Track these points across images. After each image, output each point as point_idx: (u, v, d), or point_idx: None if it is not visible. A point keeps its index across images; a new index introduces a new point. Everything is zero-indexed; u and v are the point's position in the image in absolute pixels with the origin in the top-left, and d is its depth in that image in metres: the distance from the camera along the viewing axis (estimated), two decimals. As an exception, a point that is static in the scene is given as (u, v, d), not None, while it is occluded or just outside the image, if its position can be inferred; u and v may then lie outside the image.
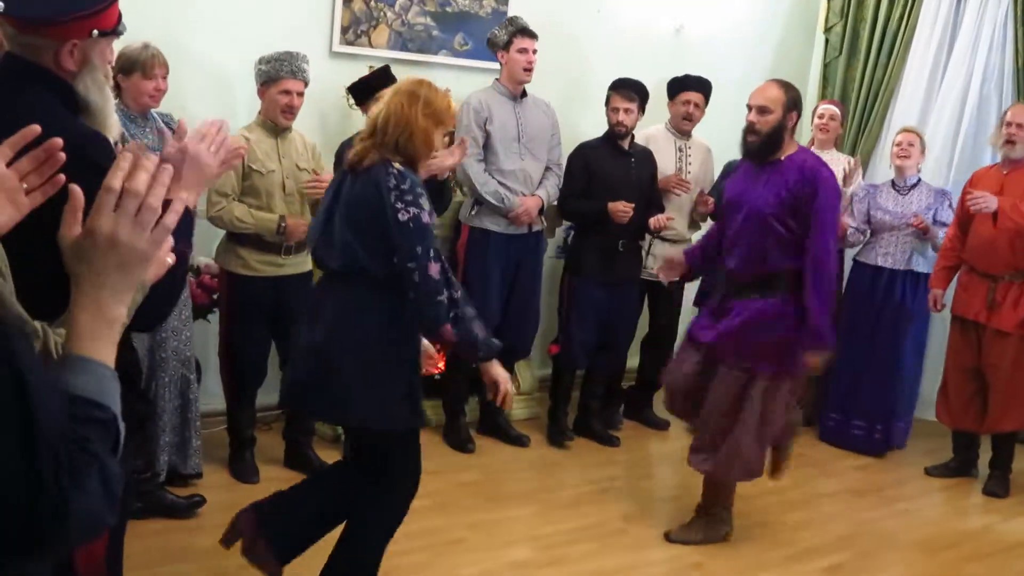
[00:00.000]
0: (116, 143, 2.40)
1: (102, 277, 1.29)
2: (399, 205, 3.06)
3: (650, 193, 5.43)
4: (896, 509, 5.04)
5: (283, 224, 4.44)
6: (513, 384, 5.71)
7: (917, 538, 4.72)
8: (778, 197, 4.07)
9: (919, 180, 5.75)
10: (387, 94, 3.23)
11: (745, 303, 4.18)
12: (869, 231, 5.77)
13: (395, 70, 5.09)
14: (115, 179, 1.28)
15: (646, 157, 5.49)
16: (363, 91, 4.87)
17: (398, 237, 3.07)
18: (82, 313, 1.28)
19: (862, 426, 5.82)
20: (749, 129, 4.17)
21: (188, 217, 2.17)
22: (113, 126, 2.36)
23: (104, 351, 1.29)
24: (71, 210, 1.32)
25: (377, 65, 5.24)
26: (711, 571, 4.23)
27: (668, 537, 4.45)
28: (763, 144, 4.14)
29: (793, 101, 4.14)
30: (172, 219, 1.32)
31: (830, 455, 5.77)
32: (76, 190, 1.33)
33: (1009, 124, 5.26)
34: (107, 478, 1.22)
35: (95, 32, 2.23)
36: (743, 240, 4.18)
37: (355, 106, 5.10)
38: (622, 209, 5.20)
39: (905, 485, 5.35)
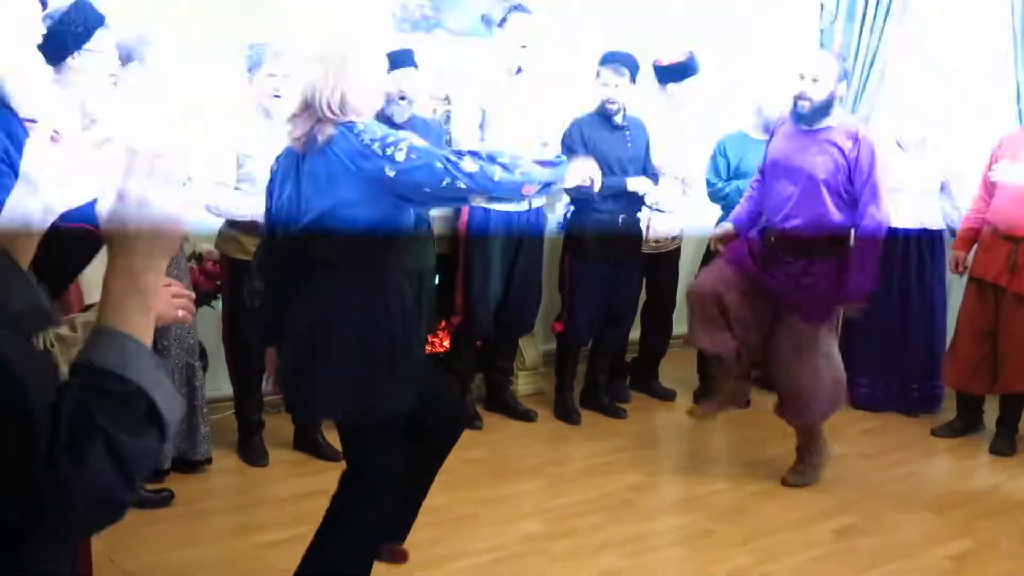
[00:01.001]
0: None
1: (134, 241, 1.29)
2: (389, 151, 2.89)
3: (645, 164, 5.42)
4: (905, 471, 5.06)
5: None
6: (518, 360, 5.79)
7: (926, 499, 4.73)
8: (835, 163, 4.39)
9: (924, 139, 5.74)
10: (309, 60, 3.06)
11: (808, 262, 4.50)
12: None
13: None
14: (139, 142, 1.32)
15: (639, 128, 5.46)
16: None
17: (414, 175, 2.88)
18: (114, 280, 1.29)
19: (898, 386, 5.84)
20: (801, 96, 4.43)
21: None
22: None
23: (134, 320, 1.29)
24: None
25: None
26: (721, 537, 4.25)
27: (784, 482, 4.79)
28: (815, 111, 4.42)
29: (844, 72, 4.47)
30: (184, 182, 1.35)
31: (838, 419, 5.74)
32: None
33: None
34: (121, 453, 1.22)
35: None
36: (803, 204, 4.45)
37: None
38: (646, 182, 5.26)
39: (912, 447, 5.35)
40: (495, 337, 5.43)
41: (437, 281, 5.20)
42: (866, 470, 5.06)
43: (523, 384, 5.83)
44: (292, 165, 3.08)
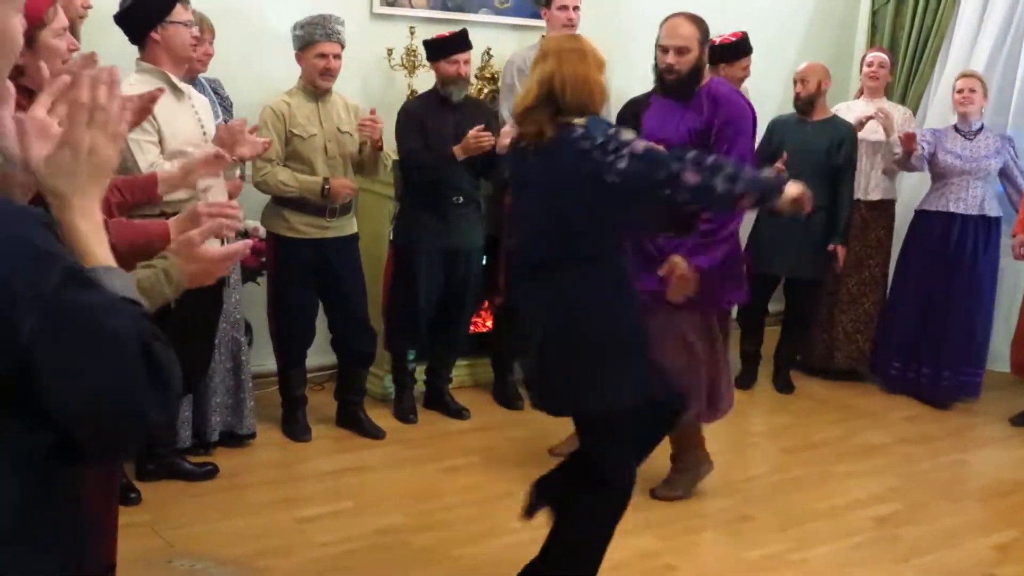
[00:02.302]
0: None
1: (87, 186, 1.39)
2: (610, 158, 2.88)
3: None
4: (951, 459, 5.00)
5: (327, 186, 4.48)
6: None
7: (971, 488, 4.70)
8: (690, 129, 3.88)
9: (982, 125, 5.67)
10: (546, 59, 3.02)
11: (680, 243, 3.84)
12: (926, 165, 5.69)
13: (437, 29, 5.10)
14: (84, 94, 1.38)
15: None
16: (438, 50, 4.89)
17: (633, 183, 2.88)
18: (81, 222, 1.38)
19: (928, 374, 5.77)
20: (668, 70, 3.92)
21: None
22: None
23: (108, 253, 1.40)
24: (41, 133, 1.46)
25: (418, 26, 5.26)
26: (758, 522, 4.23)
27: (653, 494, 4.31)
28: (683, 82, 3.92)
29: (705, 34, 3.94)
30: (124, 128, 1.43)
31: (881, 406, 5.74)
32: (22, 117, 1.46)
33: None
34: (178, 364, 1.32)
35: None
36: None
37: (404, 65, 5.18)
38: None
39: (959, 435, 5.29)
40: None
41: (484, 260, 5.21)
42: (910, 458, 5.01)
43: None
44: (520, 162, 3.13)
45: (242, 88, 4.77)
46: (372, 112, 4.57)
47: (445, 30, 5.02)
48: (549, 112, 2.96)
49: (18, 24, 1.39)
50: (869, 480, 4.70)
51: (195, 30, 3.88)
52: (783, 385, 5.91)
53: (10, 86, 1.50)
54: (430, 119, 4.84)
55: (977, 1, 6.36)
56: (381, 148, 4.63)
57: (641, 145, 2.91)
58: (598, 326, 3.04)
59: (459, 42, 4.88)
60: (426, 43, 4.95)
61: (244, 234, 4.78)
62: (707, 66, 4.04)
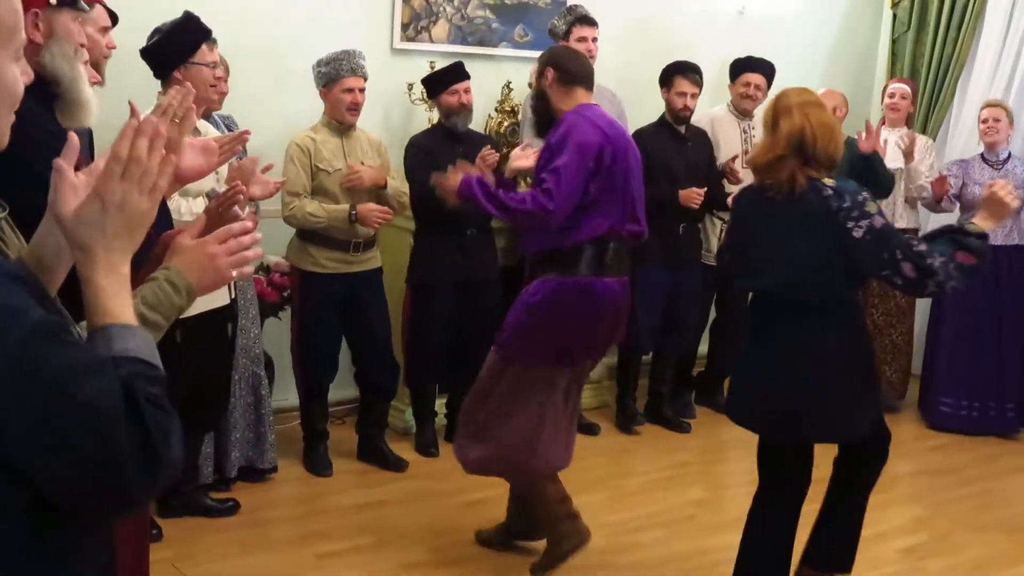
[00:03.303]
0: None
1: (113, 240, 1.35)
2: (850, 224, 3.10)
3: (708, 174, 5.40)
4: (976, 489, 4.95)
5: (354, 213, 4.50)
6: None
7: (997, 518, 4.63)
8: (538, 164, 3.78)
9: (1010, 153, 5.65)
10: (791, 113, 3.22)
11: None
12: (958, 205, 5.67)
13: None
14: (122, 148, 1.35)
15: (702, 139, 5.47)
16: (436, 84, 4.93)
17: (860, 255, 3.12)
18: (103, 277, 1.34)
19: (994, 407, 5.73)
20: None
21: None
22: (87, 102, 2.38)
23: (129, 311, 1.36)
24: (68, 186, 1.38)
25: (438, 60, 5.28)
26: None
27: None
28: (540, 120, 3.92)
29: (544, 60, 3.81)
30: (165, 181, 1.38)
31: (908, 435, 5.68)
32: (63, 165, 1.39)
33: None
34: (180, 430, 1.29)
35: (53, 0, 2.26)
36: None
37: (425, 99, 5.20)
38: (696, 195, 5.20)
39: (986, 465, 5.23)
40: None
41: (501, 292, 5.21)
42: (937, 488, 4.97)
43: (587, 397, 5.79)
44: (759, 207, 3.31)
45: (264, 125, 4.80)
46: (384, 209, 4.60)
47: (466, 64, 5.05)
48: (798, 162, 3.17)
49: (17, 72, 1.36)
50: (895, 511, 4.65)
51: (219, 71, 3.93)
52: None
53: None
54: (438, 152, 4.86)
55: (998, 28, 6.34)
56: (384, 186, 4.67)
57: (880, 221, 3.13)
58: (851, 361, 3.28)
59: (455, 73, 4.91)
60: (424, 81, 4.99)
61: (266, 269, 4.83)
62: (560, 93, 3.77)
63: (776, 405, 3.32)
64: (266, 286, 4.77)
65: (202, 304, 3.58)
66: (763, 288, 3.37)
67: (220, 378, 4.04)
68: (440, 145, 4.88)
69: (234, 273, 1.73)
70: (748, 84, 5.65)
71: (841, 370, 3.25)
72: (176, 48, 3.80)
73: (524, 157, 4.63)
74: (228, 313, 3.99)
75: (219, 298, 3.82)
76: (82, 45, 2.42)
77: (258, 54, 4.91)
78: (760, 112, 5.64)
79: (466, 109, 4.94)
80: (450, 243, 4.90)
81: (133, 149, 1.35)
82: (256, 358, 4.43)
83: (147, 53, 3.89)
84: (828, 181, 3.17)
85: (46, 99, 2.31)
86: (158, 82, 3.93)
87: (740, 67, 5.70)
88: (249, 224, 1.76)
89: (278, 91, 5.01)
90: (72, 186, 1.38)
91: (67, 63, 2.34)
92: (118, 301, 1.34)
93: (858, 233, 3.08)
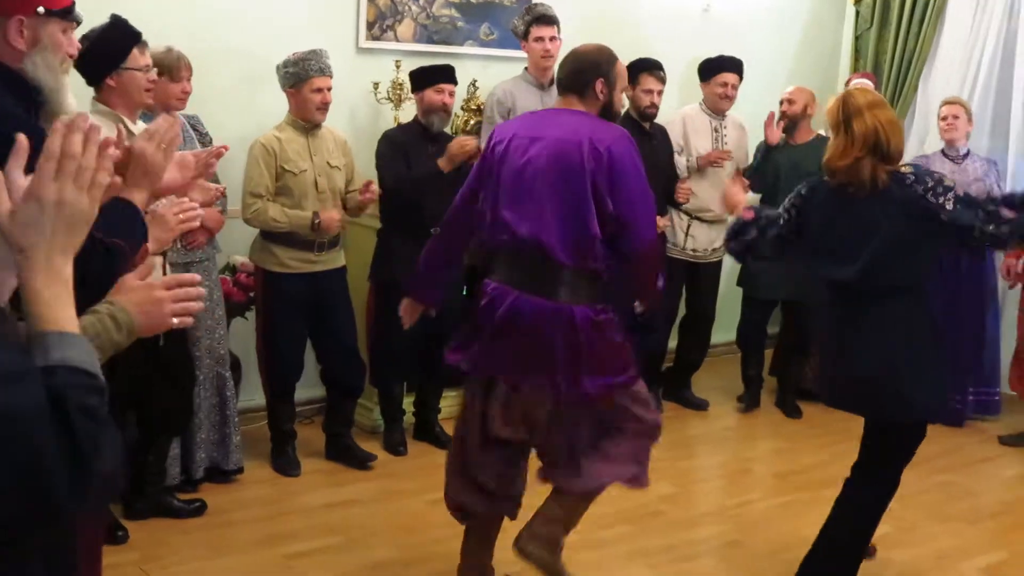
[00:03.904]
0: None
1: (53, 240, 1.32)
2: (941, 200, 3.34)
3: (670, 171, 5.44)
4: (941, 480, 5.00)
5: (317, 220, 4.50)
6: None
7: (961, 509, 4.69)
8: None
9: (968, 150, 5.72)
10: (861, 115, 3.41)
11: None
12: None
13: (422, 63, 5.15)
14: (54, 144, 1.32)
15: (664, 136, 5.51)
16: (425, 78, 4.95)
17: (960, 222, 3.33)
18: (42, 282, 1.31)
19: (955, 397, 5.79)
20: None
21: (136, 215, 2.14)
22: (69, 113, 2.38)
23: (70, 317, 1.32)
24: (4, 187, 1.34)
25: (404, 59, 5.29)
26: (750, 548, 4.24)
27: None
28: None
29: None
30: (104, 177, 1.35)
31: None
32: (10, 168, 1.36)
33: None
34: (118, 441, 1.26)
35: (41, 9, 2.25)
36: None
37: (392, 98, 5.25)
38: (687, 191, 5.36)
39: (951, 456, 5.27)
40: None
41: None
42: (903, 479, 4.99)
43: (556, 394, 5.83)
44: (838, 204, 3.49)
45: (230, 125, 4.79)
46: (369, 183, 4.65)
47: (430, 63, 5.07)
48: (875, 160, 3.38)
49: None
50: (860, 504, 4.70)
51: (152, 74, 3.85)
52: (792, 409, 5.92)
53: None
54: (411, 149, 4.87)
55: (959, 25, 6.40)
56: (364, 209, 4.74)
57: (960, 189, 3.43)
58: (932, 341, 3.54)
59: (446, 72, 4.95)
60: (413, 72, 4.99)
61: (232, 269, 4.82)
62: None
63: (871, 386, 3.51)
64: (232, 286, 4.76)
65: None
66: (850, 278, 3.48)
67: (181, 390, 4.04)
68: (413, 141, 4.90)
69: (175, 321, 1.78)
70: (725, 84, 5.68)
71: (926, 349, 3.49)
72: (106, 54, 3.67)
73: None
74: None
75: None
76: (71, 56, 2.42)
77: (223, 53, 4.90)
78: (733, 111, 5.78)
79: (446, 111, 4.97)
80: (414, 241, 4.88)
81: (66, 145, 1.32)
82: (222, 359, 4.42)
83: (77, 61, 3.80)
84: (906, 169, 3.45)
85: (29, 101, 2.30)
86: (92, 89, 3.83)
87: (716, 67, 5.71)
88: (198, 277, 1.88)
89: (244, 91, 5.00)
90: (17, 188, 1.35)
91: (51, 74, 2.32)
92: (57, 307, 1.31)
93: (949, 205, 3.33)
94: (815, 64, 7.03)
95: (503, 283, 3.42)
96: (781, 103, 5.79)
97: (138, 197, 2.15)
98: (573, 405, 3.44)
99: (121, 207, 2.06)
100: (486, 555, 3.73)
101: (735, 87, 5.72)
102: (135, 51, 3.75)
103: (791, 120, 5.72)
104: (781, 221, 3.66)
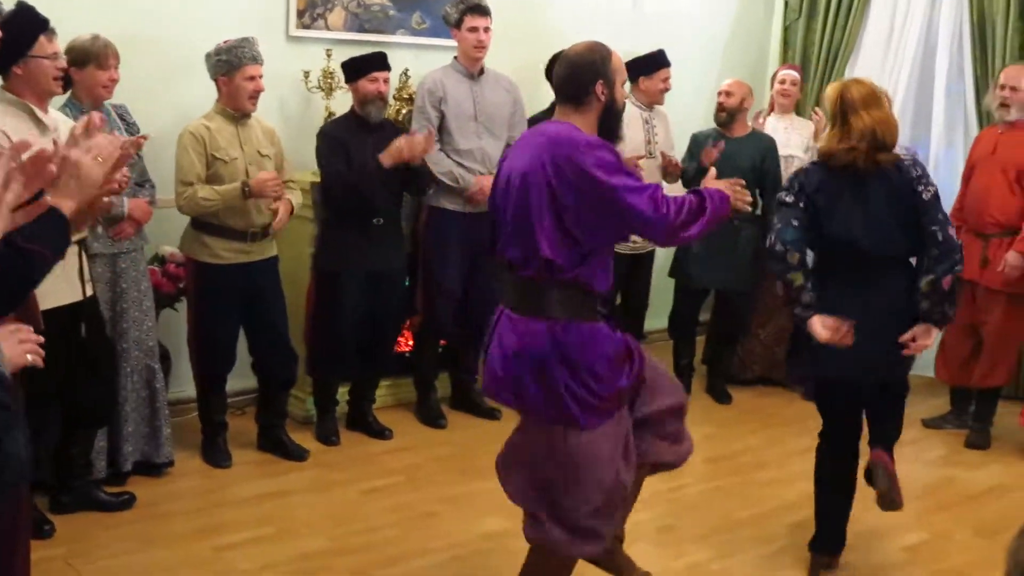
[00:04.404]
0: None
1: None
2: (920, 188, 3.69)
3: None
4: (864, 463, 5.07)
5: (247, 187, 4.44)
6: (483, 359, 5.81)
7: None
8: None
9: None
10: (857, 110, 3.67)
11: None
12: None
13: (353, 51, 5.13)
14: None
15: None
16: (358, 68, 4.92)
17: (929, 209, 3.68)
18: None
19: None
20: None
21: (60, 222, 2.09)
22: None
23: None
24: None
25: (334, 48, 5.27)
26: (682, 531, 4.30)
27: None
28: None
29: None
30: (11, 197, 1.35)
31: (800, 413, 5.82)
32: None
33: (1003, 87, 5.32)
34: (22, 430, 1.27)
35: None
36: None
37: (323, 87, 5.23)
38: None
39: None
40: (458, 335, 5.45)
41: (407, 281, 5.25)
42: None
43: (488, 383, 5.85)
44: (841, 184, 3.72)
45: (157, 114, 4.74)
46: (275, 177, 4.55)
47: (363, 51, 5.06)
48: (870, 150, 3.66)
49: None
50: (788, 487, 4.78)
51: (61, 62, 3.78)
52: (721, 395, 6.00)
53: None
54: (350, 142, 4.85)
55: (884, 16, 6.52)
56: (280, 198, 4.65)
57: (936, 188, 3.75)
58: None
59: (378, 61, 4.93)
60: (345, 64, 4.96)
61: (160, 259, 4.77)
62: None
63: (873, 347, 3.71)
64: (161, 277, 4.71)
65: (51, 300, 3.55)
66: (854, 249, 3.73)
67: (102, 382, 3.99)
68: (352, 134, 4.88)
69: (29, 358, 1.94)
70: (666, 79, 5.72)
71: (915, 314, 3.77)
72: (12, 42, 3.51)
73: (417, 144, 4.71)
74: (81, 311, 3.86)
75: (68, 295, 3.76)
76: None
77: (151, 41, 4.84)
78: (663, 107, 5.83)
79: (382, 99, 4.96)
80: (357, 231, 4.90)
81: None
82: (150, 351, 4.38)
83: None
84: (905, 157, 3.79)
85: None
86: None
87: (658, 62, 5.70)
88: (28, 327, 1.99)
89: (171, 80, 4.94)
90: None
91: None
92: None
93: (927, 196, 3.68)
94: (744, 55, 7.11)
95: None
96: (719, 95, 5.84)
97: (67, 206, 2.10)
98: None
99: (48, 215, 2.04)
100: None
101: (670, 80, 5.77)
102: (42, 38, 3.67)
103: (729, 113, 5.78)
104: (798, 219, 3.77)
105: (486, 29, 5.18)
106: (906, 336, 3.70)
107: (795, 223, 3.74)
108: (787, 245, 3.71)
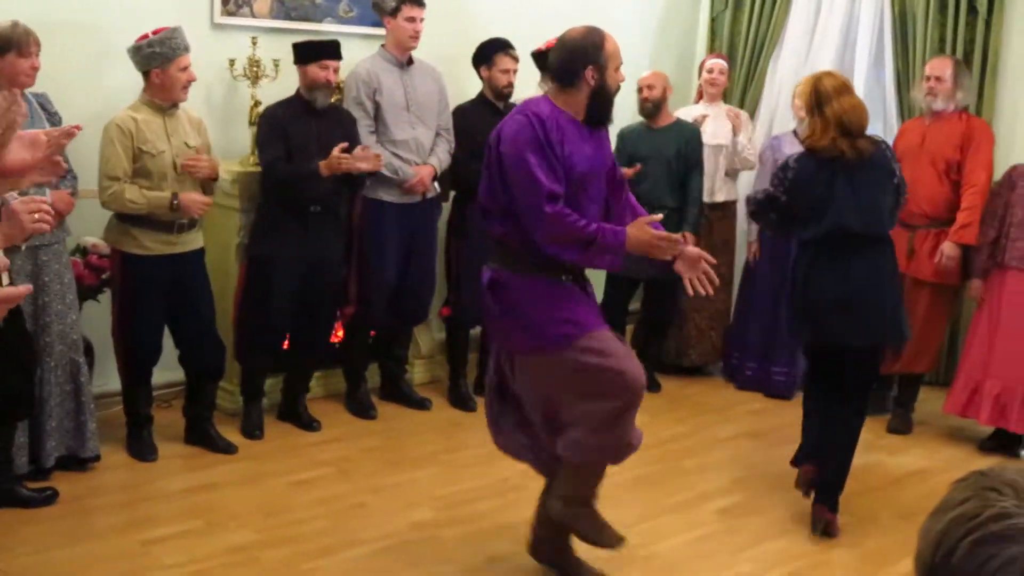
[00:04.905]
0: None
1: None
2: (896, 167, 4.22)
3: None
4: (789, 450, 5.16)
5: (175, 201, 4.40)
6: (413, 349, 5.82)
7: (808, 476, 4.87)
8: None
9: None
10: (831, 100, 4.09)
11: None
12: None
13: (280, 39, 5.09)
14: None
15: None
16: (310, 53, 4.89)
17: (903, 186, 4.25)
18: None
19: (753, 367, 6.04)
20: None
21: None
22: None
23: None
24: None
25: (260, 36, 5.21)
26: (609, 519, 4.29)
27: None
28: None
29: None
30: None
31: (729, 401, 5.94)
32: None
33: (928, 78, 5.42)
34: None
35: None
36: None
37: (248, 75, 5.16)
38: None
39: (790, 428, 5.42)
40: (390, 326, 5.44)
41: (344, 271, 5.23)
42: (752, 450, 5.20)
43: (418, 372, 5.86)
44: (831, 172, 4.10)
45: (80, 104, 4.65)
46: (198, 152, 4.55)
47: (289, 39, 5.03)
48: (848, 137, 4.08)
49: None
50: (715, 474, 4.87)
51: None
52: (651, 383, 6.04)
53: None
54: (292, 126, 4.82)
55: (807, 7, 6.60)
56: (215, 179, 4.65)
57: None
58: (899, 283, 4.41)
59: (332, 49, 4.91)
60: (298, 45, 4.94)
61: (83, 251, 4.69)
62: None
63: (865, 315, 4.12)
64: (84, 269, 4.63)
65: None
66: (845, 229, 4.10)
67: (19, 377, 3.91)
68: (295, 119, 4.85)
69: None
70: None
71: (898, 286, 4.31)
72: None
73: (364, 160, 4.76)
74: None
75: None
76: None
77: (73, 29, 4.75)
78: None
79: (329, 88, 4.93)
80: (294, 219, 4.86)
81: None
82: (74, 344, 4.31)
83: None
84: (879, 141, 4.23)
85: None
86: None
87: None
88: None
89: (93, 68, 4.86)
90: None
91: None
92: None
93: (895, 179, 4.19)
94: (672, 45, 7.17)
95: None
96: (640, 89, 5.87)
97: None
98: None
99: None
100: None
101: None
102: None
103: (654, 104, 5.82)
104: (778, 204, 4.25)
105: (422, 20, 5.17)
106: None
107: (773, 216, 4.32)
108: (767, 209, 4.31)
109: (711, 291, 3.67)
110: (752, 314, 6.06)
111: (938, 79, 5.35)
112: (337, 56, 4.92)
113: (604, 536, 3.74)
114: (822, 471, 4.30)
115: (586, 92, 3.44)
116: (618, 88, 3.55)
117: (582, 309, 3.55)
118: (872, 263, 4.16)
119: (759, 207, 4.40)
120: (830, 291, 4.14)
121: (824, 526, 4.22)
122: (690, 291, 3.66)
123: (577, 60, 3.41)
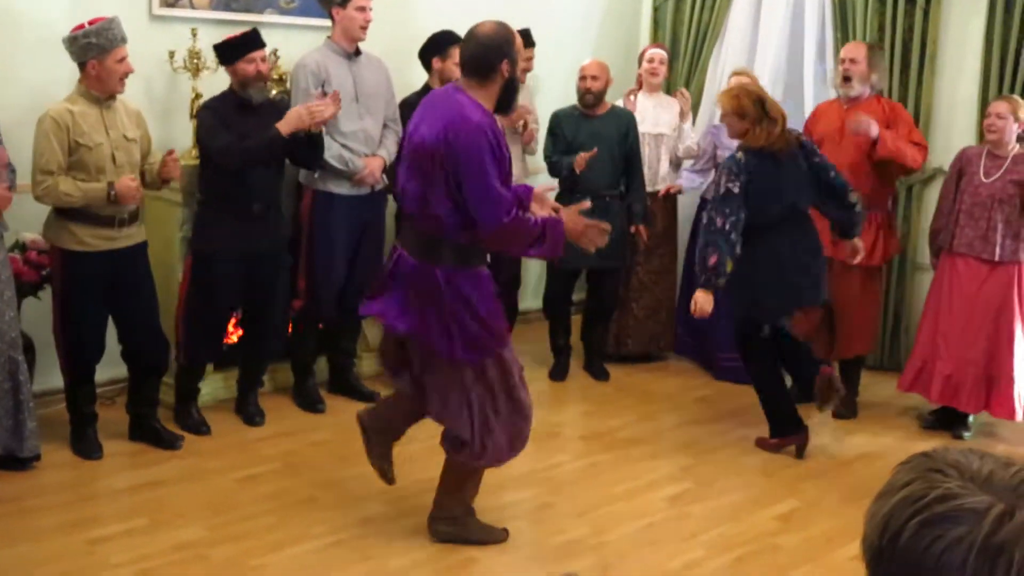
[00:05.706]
0: None
1: None
2: (818, 151, 4.91)
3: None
4: (737, 436, 5.23)
5: (112, 190, 4.33)
6: (362, 342, 5.78)
7: (756, 462, 4.93)
8: None
9: None
10: (763, 97, 4.79)
11: None
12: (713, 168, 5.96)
13: (220, 31, 5.02)
14: None
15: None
16: (232, 51, 4.79)
17: (828, 167, 4.84)
18: None
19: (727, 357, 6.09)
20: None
21: None
22: None
23: None
24: None
25: (201, 27, 5.14)
26: (560, 509, 4.35)
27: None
28: None
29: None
30: None
31: (675, 388, 5.97)
32: None
33: (843, 60, 5.47)
34: None
35: None
36: None
37: (189, 67, 5.09)
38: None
39: (745, 413, 5.52)
40: (338, 320, 5.40)
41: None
42: (700, 436, 5.23)
43: (367, 365, 5.82)
44: (768, 165, 4.70)
45: (9, 97, 4.56)
46: (171, 153, 4.51)
47: (230, 31, 4.95)
48: (783, 133, 4.76)
49: None
50: (663, 461, 4.89)
51: None
52: (599, 372, 6.07)
53: None
54: (230, 121, 4.74)
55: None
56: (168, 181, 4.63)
57: None
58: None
59: (252, 40, 4.80)
60: (218, 47, 4.84)
61: (22, 247, 4.60)
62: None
63: (802, 282, 4.83)
64: (23, 265, 4.54)
65: None
66: (784, 211, 4.76)
67: None
68: (231, 116, 4.76)
69: None
70: (529, 59, 5.80)
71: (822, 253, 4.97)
72: None
73: (326, 107, 4.78)
74: None
75: None
76: None
77: (7, 18, 4.66)
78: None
79: (262, 79, 4.85)
80: (236, 213, 4.80)
81: None
82: (13, 342, 4.22)
83: None
84: (802, 138, 4.92)
85: None
86: None
87: (524, 41, 5.74)
88: None
89: (27, 59, 4.76)
90: None
91: None
92: None
93: (820, 158, 4.85)
94: (615, 34, 7.18)
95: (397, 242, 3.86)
96: (584, 79, 5.87)
97: None
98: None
99: None
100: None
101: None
102: None
103: (596, 96, 5.82)
104: (742, 209, 4.67)
105: (371, 9, 5.13)
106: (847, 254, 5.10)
107: (742, 215, 4.63)
108: (735, 235, 4.61)
109: (604, 240, 3.84)
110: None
111: (852, 60, 5.41)
112: (260, 45, 4.81)
113: (493, 534, 4.04)
114: (801, 374, 5.03)
115: (499, 84, 3.64)
116: (520, 84, 3.92)
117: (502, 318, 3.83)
118: (806, 233, 4.89)
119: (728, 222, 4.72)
120: (774, 268, 4.79)
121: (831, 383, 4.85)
122: (591, 249, 3.88)
123: (492, 54, 3.59)
